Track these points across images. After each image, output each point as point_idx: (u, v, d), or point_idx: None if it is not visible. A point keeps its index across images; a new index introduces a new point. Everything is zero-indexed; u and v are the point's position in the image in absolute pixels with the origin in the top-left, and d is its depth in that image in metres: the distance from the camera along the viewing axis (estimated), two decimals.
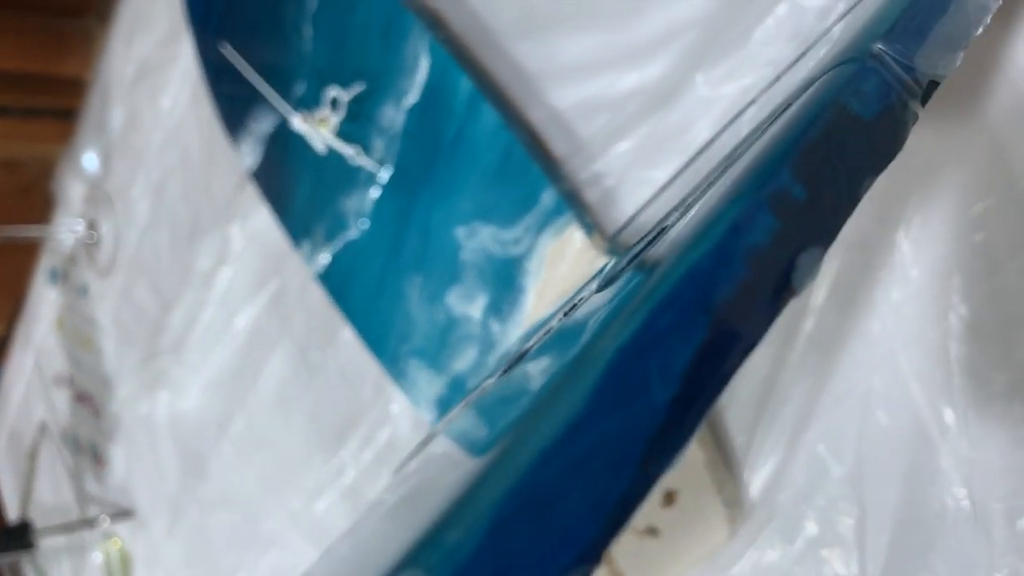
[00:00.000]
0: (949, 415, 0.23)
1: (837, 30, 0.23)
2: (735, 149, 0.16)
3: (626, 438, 0.09)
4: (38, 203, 0.81)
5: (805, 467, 0.26)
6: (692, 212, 0.15)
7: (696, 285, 0.10)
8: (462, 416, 0.22)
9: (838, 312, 0.25)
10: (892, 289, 0.24)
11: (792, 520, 0.27)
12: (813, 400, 0.26)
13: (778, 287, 0.11)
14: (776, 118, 0.15)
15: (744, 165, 0.13)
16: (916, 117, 0.13)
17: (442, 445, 0.22)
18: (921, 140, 0.22)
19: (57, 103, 0.97)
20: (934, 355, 0.23)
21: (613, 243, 0.29)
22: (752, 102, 0.25)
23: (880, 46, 0.14)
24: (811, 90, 0.14)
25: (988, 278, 0.22)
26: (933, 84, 0.14)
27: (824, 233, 0.11)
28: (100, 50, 0.65)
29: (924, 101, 0.14)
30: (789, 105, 0.14)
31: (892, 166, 0.13)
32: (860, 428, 0.25)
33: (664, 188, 0.27)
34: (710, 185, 0.15)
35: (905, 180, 0.23)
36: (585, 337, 0.13)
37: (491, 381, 0.22)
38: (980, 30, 0.16)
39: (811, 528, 0.26)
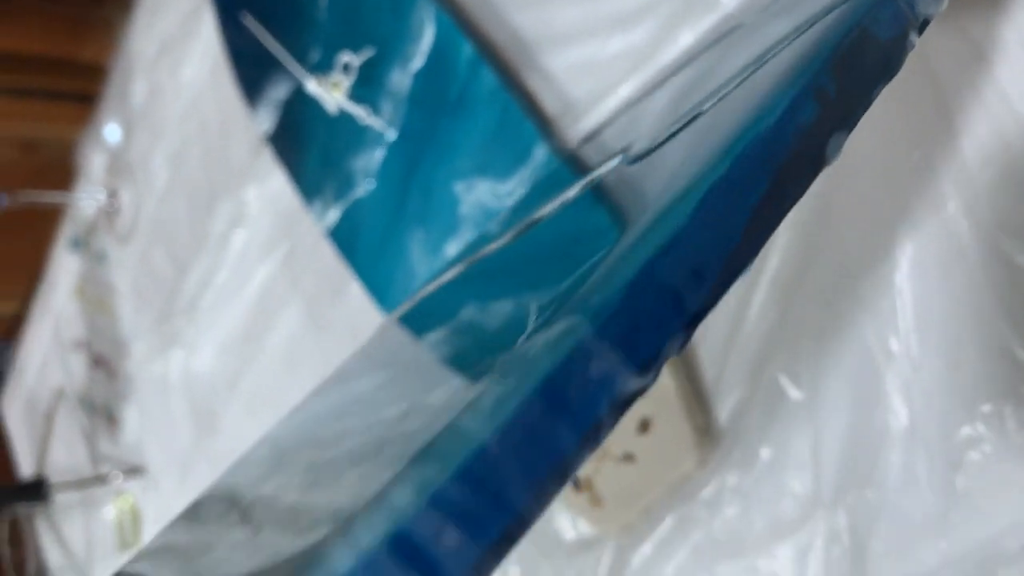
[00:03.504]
0: (894, 343, 0.26)
1: None
2: (749, 64, 0.19)
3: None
4: (54, 184, 0.84)
5: (766, 395, 0.29)
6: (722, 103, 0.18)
7: (762, 150, 0.14)
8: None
9: (798, 251, 0.28)
10: (844, 230, 0.27)
11: (754, 445, 0.29)
12: (776, 334, 0.29)
13: (816, 158, 0.14)
14: (799, 35, 0.18)
15: (780, 68, 0.17)
16: (913, 46, 0.16)
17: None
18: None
19: (77, 87, 1.01)
20: (880, 286, 0.26)
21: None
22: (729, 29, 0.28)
23: None
24: (838, 12, 0.17)
25: (932, 216, 0.25)
26: (926, 22, 0.17)
27: (848, 122, 0.15)
28: (120, 36, 0.68)
29: (919, 34, 0.17)
30: (812, 24, 0.18)
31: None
32: (816, 357, 0.28)
33: (624, 110, 0.29)
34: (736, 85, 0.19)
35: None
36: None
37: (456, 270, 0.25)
38: None
39: (769, 452, 0.29)
